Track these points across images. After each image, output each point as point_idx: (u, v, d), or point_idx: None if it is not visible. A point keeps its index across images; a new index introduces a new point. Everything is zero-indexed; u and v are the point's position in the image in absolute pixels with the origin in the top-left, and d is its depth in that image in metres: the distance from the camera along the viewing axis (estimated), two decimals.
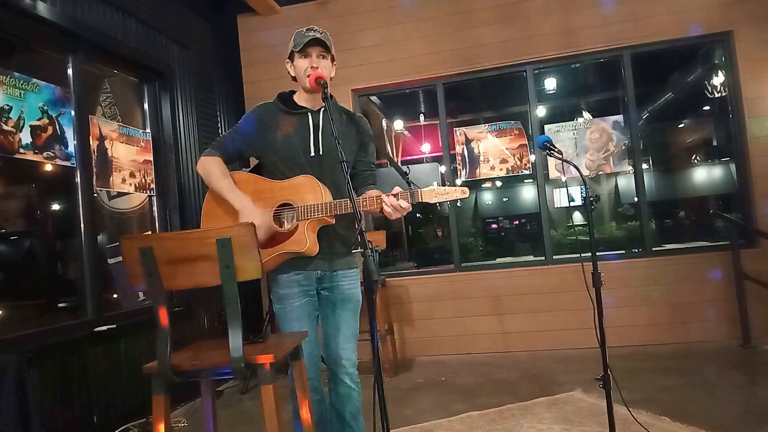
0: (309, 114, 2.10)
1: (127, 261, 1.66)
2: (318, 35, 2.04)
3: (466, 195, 1.87)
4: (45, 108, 3.15)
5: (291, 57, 2.10)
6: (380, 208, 1.91)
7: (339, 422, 2.11)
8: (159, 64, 4.19)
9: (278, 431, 1.64)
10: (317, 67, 2.03)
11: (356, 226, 1.66)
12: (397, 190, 1.89)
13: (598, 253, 2.42)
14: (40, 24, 3.14)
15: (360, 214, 1.70)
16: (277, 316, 2.13)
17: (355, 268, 2.16)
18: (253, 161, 2.22)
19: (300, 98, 2.15)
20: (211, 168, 2.08)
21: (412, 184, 1.87)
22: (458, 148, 5.08)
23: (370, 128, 2.22)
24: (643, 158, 5.27)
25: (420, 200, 1.86)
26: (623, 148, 4.83)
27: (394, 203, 1.86)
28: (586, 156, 4.87)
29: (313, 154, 2.05)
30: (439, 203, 1.88)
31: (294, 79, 2.13)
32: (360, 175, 2.17)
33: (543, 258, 4.87)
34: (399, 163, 6.28)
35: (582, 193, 2.41)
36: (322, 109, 2.08)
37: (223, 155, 2.12)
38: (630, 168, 4.85)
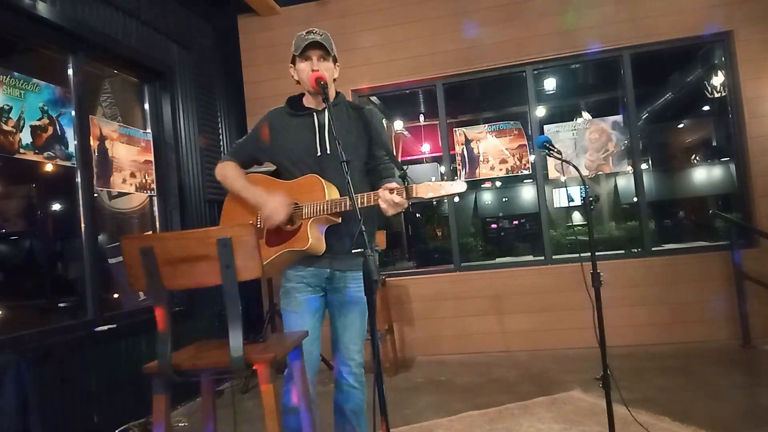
0: (314, 114, 2.11)
1: (127, 261, 1.67)
2: (318, 38, 2.04)
3: (464, 189, 1.78)
4: (45, 108, 3.14)
5: (293, 61, 2.11)
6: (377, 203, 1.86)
7: (341, 418, 2.13)
8: (159, 65, 4.18)
9: (278, 431, 1.65)
10: (317, 69, 2.04)
11: (360, 226, 1.64)
12: (393, 185, 1.83)
13: (597, 253, 2.42)
14: (40, 24, 3.14)
15: (360, 213, 1.68)
16: (281, 311, 2.15)
17: None
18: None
19: (307, 100, 2.17)
20: (227, 171, 2.19)
21: (408, 180, 1.78)
22: (458, 149, 5.08)
23: (380, 120, 2.19)
24: (642, 158, 5.27)
25: (415, 195, 1.77)
26: (623, 148, 4.84)
27: (388, 198, 1.80)
28: (585, 156, 4.87)
29: (319, 153, 2.06)
30: (438, 200, 1.82)
31: (298, 82, 2.14)
32: (375, 170, 2.13)
33: (542, 258, 4.87)
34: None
35: (581, 193, 2.41)
36: (327, 108, 2.07)
37: (238, 160, 2.22)
38: (629, 168, 4.85)
